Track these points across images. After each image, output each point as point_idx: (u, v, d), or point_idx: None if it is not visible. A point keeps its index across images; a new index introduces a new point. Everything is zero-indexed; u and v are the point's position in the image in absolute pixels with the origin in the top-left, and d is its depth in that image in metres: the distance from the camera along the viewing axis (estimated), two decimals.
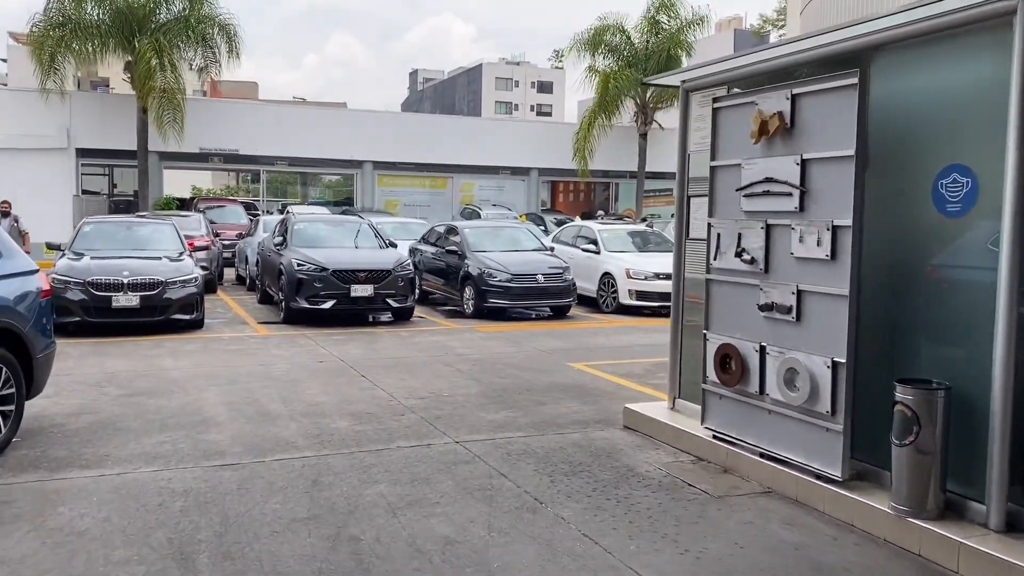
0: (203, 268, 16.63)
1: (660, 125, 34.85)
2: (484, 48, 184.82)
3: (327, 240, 14.40)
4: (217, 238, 19.85)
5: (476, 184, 34.54)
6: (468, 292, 14.47)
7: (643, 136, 33.81)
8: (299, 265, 12.99)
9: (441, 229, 16.73)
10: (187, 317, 12.08)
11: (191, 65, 28.33)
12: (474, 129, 35.47)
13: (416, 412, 7.41)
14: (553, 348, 11.17)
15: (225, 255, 20.97)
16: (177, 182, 36.77)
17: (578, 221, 19.18)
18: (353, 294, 12.85)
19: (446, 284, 15.36)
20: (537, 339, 12.01)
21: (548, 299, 14.37)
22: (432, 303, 15.90)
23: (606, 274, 15.48)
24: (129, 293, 11.57)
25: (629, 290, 14.88)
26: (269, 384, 8.52)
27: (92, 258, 12.23)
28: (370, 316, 13.73)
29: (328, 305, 12.82)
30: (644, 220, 24.36)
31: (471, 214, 30.26)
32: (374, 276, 13.02)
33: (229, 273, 20.77)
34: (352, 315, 13.31)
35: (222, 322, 13.25)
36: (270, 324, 13.11)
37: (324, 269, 12.86)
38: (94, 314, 11.52)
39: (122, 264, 12.02)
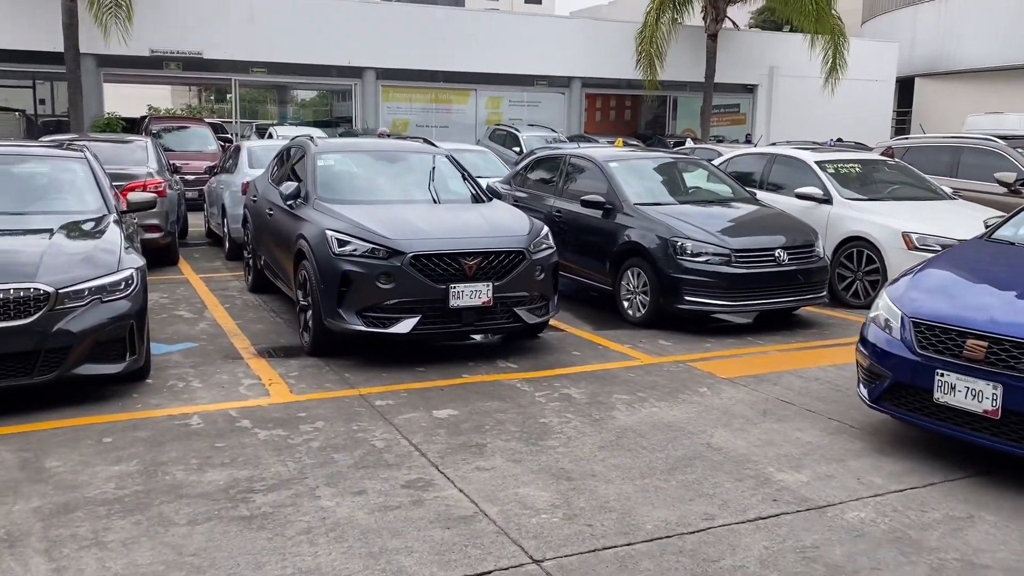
0: (154, 231, 10.03)
1: (735, 23, 27.96)
2: None
3: (379, 190, 7.68)
4: (176, 175, 13.11)
5: (505, 98, 27.48)
6: (633, 279, 7.99)
7: (712, 37, 26.90)
8: (342, 244, 6.40)
9: (550, 162, 10.09)
10: (110, 369, 5.49)
11: None
12: (501, 27, 27.78)
13: None
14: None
15: (189, 193, 14.48)
16: (126, 99, 29.35)
17: (756, 148, 12.48)
18: (453, 303, 6.30)
19: (577, 259, 8.88)
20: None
21: (794, 295, 7.85)
22: None
23: (852, 241, 9.03)
24: None
25: None
26: None
27: None
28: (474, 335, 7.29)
29: (406, 328, 6.26)
30: (748, 139, 15.32)
31: (504, 137, 23.36)
32: (493, 265, 6.48)
33: (195, 221, 14.08)
34: (432, 335, 6.88)
35: (188, 353, 6.72)
36: (286, 360, 6.62)
37: (394, 252, 6.29)
38: None
39: None
